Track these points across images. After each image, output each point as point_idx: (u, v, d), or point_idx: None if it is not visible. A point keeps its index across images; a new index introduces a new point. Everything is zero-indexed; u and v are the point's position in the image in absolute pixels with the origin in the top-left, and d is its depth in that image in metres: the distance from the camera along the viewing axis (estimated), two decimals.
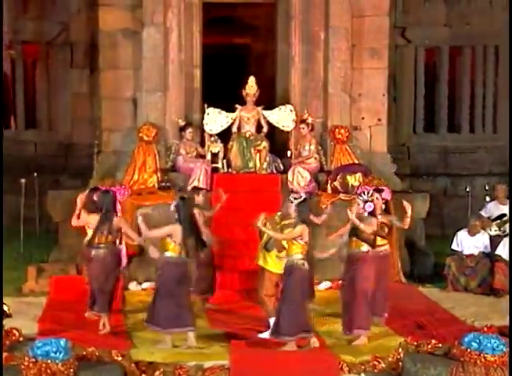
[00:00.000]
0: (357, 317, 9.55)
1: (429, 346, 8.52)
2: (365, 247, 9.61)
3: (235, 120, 14.17)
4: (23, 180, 15.03)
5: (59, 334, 9.00)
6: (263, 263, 10.01)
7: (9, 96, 18.55)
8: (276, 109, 14.17)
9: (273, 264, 9.88)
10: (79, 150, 18.00)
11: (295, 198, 9.33)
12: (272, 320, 9.62)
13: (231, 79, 15.69)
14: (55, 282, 12.06)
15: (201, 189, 11.95)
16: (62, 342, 7.56)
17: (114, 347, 8.62)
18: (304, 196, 9.41)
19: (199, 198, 11.27)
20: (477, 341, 7.92)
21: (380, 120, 14.77)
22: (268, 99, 14.94)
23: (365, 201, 9.73)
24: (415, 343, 8.61)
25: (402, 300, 11.41)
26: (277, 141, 14.72)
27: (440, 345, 8.54)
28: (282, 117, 14.16)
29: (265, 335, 9.58)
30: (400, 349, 8.50)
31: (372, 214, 9.77)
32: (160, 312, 9.11)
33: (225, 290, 11.76)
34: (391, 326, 10.28)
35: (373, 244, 9.71)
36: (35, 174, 16.63)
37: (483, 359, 7.81)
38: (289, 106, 14.18)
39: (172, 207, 9.24)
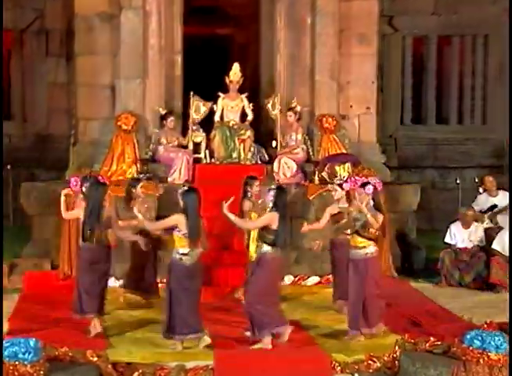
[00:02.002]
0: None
1: (427, 344, 7.97)
2: (371, 248, 8.94)
3: (217, 108, 13.56)
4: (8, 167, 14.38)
5: (31, 333, 8.41)
6: (251, 257, 9.44)
7: None
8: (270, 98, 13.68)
9: None
10: (56, 142, 17.43)
11: (271, 188, 8.69)
12: None
13: (213, 70, 15.05)
14: (29, 278, 11.48)
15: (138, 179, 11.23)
16: (31, 342, 6.95)
17: (90, 347, 8.02)
18: (278, 185, 8.99)
19: (138, 191, 10.75)
20: (480, 338, 7.37)
21: (368, 108, 14.32)
22: (252, 90, 14.47)
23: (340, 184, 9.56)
24: (412, 341, 8.06)
25: (395, 296, 10.87)
26: (262, 130, 14.16)
27: (439, 342, 7.99)
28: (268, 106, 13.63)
29: None
30: (397, 347, 7.97)
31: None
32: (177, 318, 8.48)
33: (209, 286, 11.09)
34: (385, 323, 9.69)
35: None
36: (9, 167, 16.11)
37: (486, 358, 7.27)
38: (274, 95, 13.63)
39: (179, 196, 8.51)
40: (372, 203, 8.89)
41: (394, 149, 17.94)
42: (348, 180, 10.23)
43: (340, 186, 10.07)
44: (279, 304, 8.88)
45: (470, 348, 7.33)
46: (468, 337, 7.43)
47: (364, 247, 8.84)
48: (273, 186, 8.70)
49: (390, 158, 16.37)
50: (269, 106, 13.46)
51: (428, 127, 18.32)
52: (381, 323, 9.05)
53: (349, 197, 10.09)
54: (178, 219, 8.35)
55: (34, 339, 7.03)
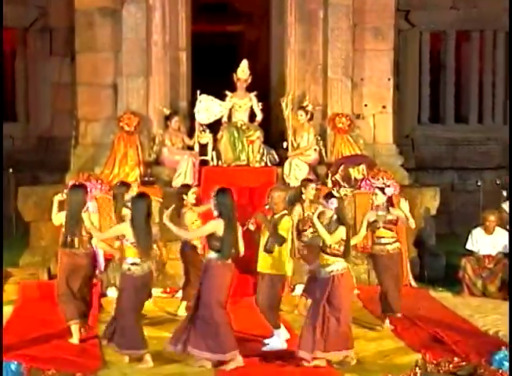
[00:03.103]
0: None
1: (451, 365, 7.32)
2: (337, 265, 8.01)
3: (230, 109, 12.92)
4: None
5: (20, 350, 7.99)
6: (266, 268, 8.72)
7: None
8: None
9: (278, 265, 8.67)
10: (60, 143, 16.67)
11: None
12: (277, 332, 8.66)
13: (223, 69, 14.33)
14: (24, 288, 10.88)
15: (189, 186, 10.59)
16: (12, 366, 6.31)
17: (82, 367, 7.52)
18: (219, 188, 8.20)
19: (189, 197, 10.09)
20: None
21: (384, 107, 13.61)
22: (263, 89, 13.78)
23: (382, 188, 8.98)
24: (434, 361, 7.38)
25: (414, 307, 10.25)
26: (272, 131, 13.46)
27: (464, 363, 7.31)
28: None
29: (272, 345, 8.56)
30: (417, 369, 7.31)
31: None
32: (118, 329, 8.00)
33: None
34: (403, 338, 9.02)
35: None
36: (10, 170, 15.52)
37: None
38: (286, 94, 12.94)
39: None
40: (335, 217, 8.00)
41: (411, 149, 17.24)
42: (391, 185, 9.78)
43: (382, 190, 9.36)
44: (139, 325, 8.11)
45: (500, 370, 6.65)
46: (497, 358, 6.76)
47: (329, 264, 7.99)
48: (215, 191, 8.09)
49: (406, 159, 15.63)
50: (283, 105, 12.71)
51: (447, 126, 17.63)
52: (345, 351, 8.00)
53: (391, 202, 9.52)
54: (122, 228, 8.02)
55: (15, 363, 6.40)
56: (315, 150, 12.83)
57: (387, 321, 9.47)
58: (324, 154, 12.94)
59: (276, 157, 12.94)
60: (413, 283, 11.64)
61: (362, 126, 13.38)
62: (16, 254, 12.52)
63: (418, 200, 12.43)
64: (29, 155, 17.04)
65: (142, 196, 8.18)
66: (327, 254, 7.93)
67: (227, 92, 12.94)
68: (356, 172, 12.07)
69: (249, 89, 13.08)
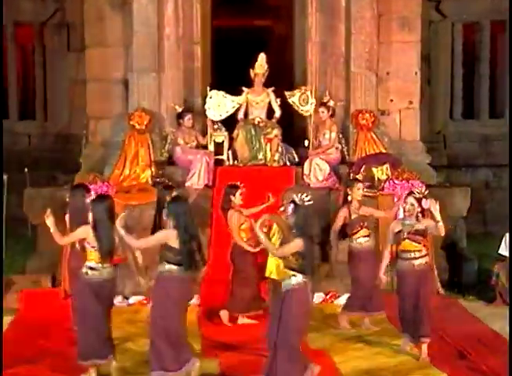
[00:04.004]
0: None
1: None
2: (293, 280, 7.09)
3: (241, 105, 12.19)
4: (4, 177, 13.12)
5: (12, 369, 7.61)
6: (277, 275, 7.95)
7: None
8: (296, 90, 12.16)
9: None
10: (78, 142, 16.07)
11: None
12: None
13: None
14: (25, 297, 10.29)
15: (237, 186, 9.79)
16: None
17: None
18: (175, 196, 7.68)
19: (236, 198, 9.47)
20: None
21: (411, 102, 12.91)
22: (289, 84, 13.21)
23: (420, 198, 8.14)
24: None
25: (440, 318, 9.45)
26: (296, 128, 12.75)
27: None
28: (301, 100, 12.16)
29: None
30: None
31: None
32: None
33: None
34: (429, 355, 8.31)
35: None
36: (26, 170, 14.99)
37: None
38: (309, 87, 12.18)
39: None
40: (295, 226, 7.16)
41: (442, 146, 16.70)
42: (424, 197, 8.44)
43: (419, 201, 8.29)
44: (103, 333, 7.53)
45: None
46: None
47: (284, 278, 7.17)
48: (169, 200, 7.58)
49: (438, 157, 15.29)
50: (293, 100, 11.98)
51: (481, 122, 17.04)
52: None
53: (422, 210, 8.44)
54: (83, 231, 7.53)
55: None
56: (337, 148, 12.13)
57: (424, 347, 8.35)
58: (346, 153, 12.24)
59: (296, 156, 12.27)
60: (441, 291, 10.87)
61: (387, 123, 12.68)
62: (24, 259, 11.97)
63: (447, 200, 11.61)
64: (46, 154, 16.61)
65: (102, 197, 7.77)
66: (285, 266, 7.14)
67: (243, 88, 12.27)
68: (379, 172, 11.33)
69: (277, 85, 12.42)
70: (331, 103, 12.13)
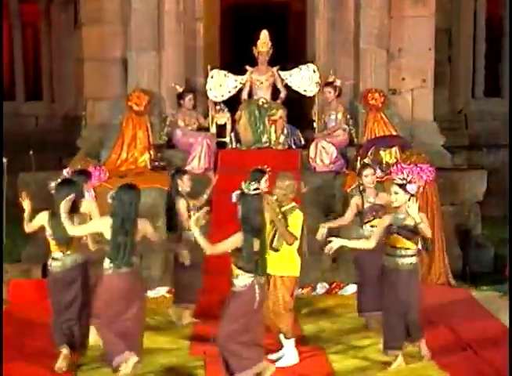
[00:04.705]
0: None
1: None
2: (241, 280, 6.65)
3: (245, 84, 11.65)
4: (4, 160, 12.69)
5: None
6: (272, 270, 7.43)
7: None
8: (296, 69, 11.60)
9: (287, 266, 7.51)
10: None
11: None
12: (289, 342, 7.56)
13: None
14: (14, 288, 9.81)
15: (185, 170, 9.31)
16: None
17: None
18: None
19: (185, 182, 8.78)
20: None
21: (424, 81, 12.32)
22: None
23: (403, 184, 7.13)
24: None
25: (448, 311, 8.96)
26: (298, 109, 12.14)
27: None
28: (303, 80, 11.56)
29: (283, 362, 7.49)
30: None
31: None
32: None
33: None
34: (432, 351, 7.74)
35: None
36: (31, 152, 14.57)
37: None
38: (311, 66, 11.66)
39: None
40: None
41: (464, 126, 15.96)
42: (412, 179, 7.37)
43: (403, 187, 7.20)
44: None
45: None
46: None
47: (236, 276, 6.65)
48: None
49: (459, 137, 14.85)
50: (291, 80, 11.42)
51: (504, 100, 16.24)
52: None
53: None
54: (42, 218, 7.30)
55: None
56: (345, 130, 11.53)
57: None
58: (355, 135, 11.64)
59: (302, 138, 11.70)
60: (453, 282, 10.28)
61: (398, 102, 12.10)
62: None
63: (461, 184, 11.04)
64: (53, 136, 16.17)
65: (66, 182, 7.33)
66: (232, 263, 6.60)
67: (247, 67, 11.71)
68: (388, 156, 10.71)
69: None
70: (337, 83, 11.53)
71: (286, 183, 7.51)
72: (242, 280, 6.49)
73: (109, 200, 6.81)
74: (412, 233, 7.15)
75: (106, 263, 6.79)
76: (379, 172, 9.02)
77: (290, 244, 7.38)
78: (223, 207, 9.23)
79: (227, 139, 11.61)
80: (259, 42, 11.62)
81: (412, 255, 7.26)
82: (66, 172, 10.17)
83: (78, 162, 10.46)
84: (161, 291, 9.90)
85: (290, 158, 11.24)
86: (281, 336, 7.61)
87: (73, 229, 6.92)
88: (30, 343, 8.08)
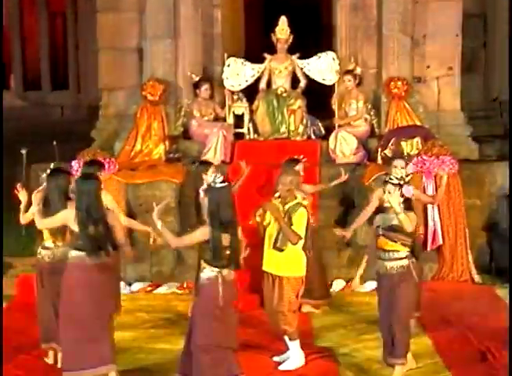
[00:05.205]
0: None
1: None
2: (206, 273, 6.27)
3: (263, 73, 11.27)
4: (23, 151, 12.49)
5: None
6: (276, 270, 7.20)
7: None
8: (314, 57, 11.18)
9: (292, 266, 7.17)
10: None
11: None
12: (294, 344, 7.20)
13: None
14: (22, 282, 9.50)
15: (210, 163, 9.02)
16: None
17: None
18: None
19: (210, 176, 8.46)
20: None
21: (451, 68, 11.67)
22: None
23: (399, 185, 6.64)
24: None
25: (467, 310, 8.55)
26: (319, 98, 11.71)
27: None
28: (322, 68, 11.14)
29: (285, 366, 7.19)
30: None
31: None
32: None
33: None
34: (443, 354, 7.42)
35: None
36: (54, 142, 14.40)
37: None
38: (330, 54, 11.21)
39: None
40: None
41: (498, 114, 15.23)
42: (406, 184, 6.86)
43: (399, 187, 6.74)
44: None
45: None
46: None
47: (202, 270, 6.32)
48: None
49: (494, 126, 14.06)
50: (309, 68, 11.01)
51: None
52: None
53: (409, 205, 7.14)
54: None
55: None
56: (366, 120, 11.10)
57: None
58: (377, 125, 11.18)
59: (322, 128, 11.29)
60: (477, 279, 9.83)
61: (423, 91, 11.54)
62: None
63: (488, 177, 10.55)
64: (79, 126, 15.97)
65: (57, 171, 7.13)
66: (200, 257, 6.33)
67: (265, 55, 11.32)
68: (409, 147, 10.25)
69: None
70: (357, 71, 11.09)
71: (290, 178, 7.15)
72: (206, 273, 6.21)
73: (71, 195, 6.70)
74: (397, 232, 6.63)
75: (73, 253, 6.56)
76: (410, 168, 8.51)
77: (294, 244, 7.04)
78: (242, 199, 8.94)
79: (245, 130, 11.23)
80: (277, 29, 11.20)
81: (402, 258, 6.70)
82: (74, 164, 10.03)
83: (87, 153, 10.14)
84: (172, 287, 9.61)
85: (309, 149, 10.80)
86: (286, 338, 7.29)
87: (41, 222, 6.79)
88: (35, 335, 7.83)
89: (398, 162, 8.13)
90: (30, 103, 16.40)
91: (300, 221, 7.04)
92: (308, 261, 8.12)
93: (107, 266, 6.56)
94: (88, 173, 7.00)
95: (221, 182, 6.11)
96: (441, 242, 9.79)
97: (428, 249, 9.71)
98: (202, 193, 6.21)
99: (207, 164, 8.80)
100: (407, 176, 6.74)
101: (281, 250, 7.12)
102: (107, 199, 7.80)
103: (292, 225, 7.03)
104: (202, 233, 6.12)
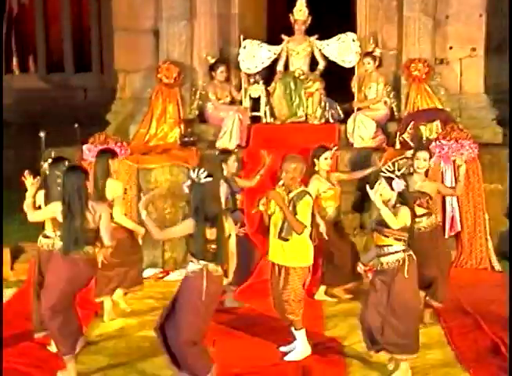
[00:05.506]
0: None
1: None
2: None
3: (280, 54, 11.01)
4: (42, 133, 12.37)
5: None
6: (283, 260, 6.97)
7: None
8: (334, 38, 10.90)
9: (299, 256, 6.94)
10: None
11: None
12: (300, 334, 7.02)
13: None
14: (34, 267, 9.37)
15: (230, 151, 8.82)
16: None
17: None
18: None
19: (230, 165, 8.36)
20: None
21: (474, 50, 11.30)
22: None
23: (390, 178, 6.34)
24: None
25: (484, 299, 8.26)
26: (339, 81, 11.42)
27: None
28: (341, 50, 10.86)
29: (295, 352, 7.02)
30: None
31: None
32: None
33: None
34: (456, 346, 7.17)
35: None
36: (76, 125, 14.29)
37: None
38: (350, 35, 10.90)
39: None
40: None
41: None
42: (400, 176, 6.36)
43: (389, 181, 6.35)
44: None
45: None
46: None
47: (187, 262, 6.24)
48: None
49: None
50: (329, 50, 10.75)
51: None
52: None
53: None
54: (39, 197, 7.01)
55: None
56: (385, 103, 10.80)
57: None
58: (396, 108, 10.89)
59: (341, 112, 11.01)
60: (497, 266, 9.52)
61: (445, 73, 11.18)
62: None
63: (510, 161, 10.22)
64: (103, 108, 15.81)
65: (58, 160, 7.08)
66: (187, 250, 6.25)
67: (283, 36, 11.06)
68: (428, 131, 9.93)
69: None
70: (377, 52, 10.80)
71: (293, 166, 6.90)
72: (191, 266, 6.06)
73: (59, 188, 6.59)
74: (384, 226, 6.32)
75: (58, 244, 6.50)
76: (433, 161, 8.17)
77: (299, 234, 6.82)
78: (258, 186, 8.76)
79: (261, 113, 10.99)
80: (295, 9, 10.91)
81: (396, 252, 6.38)
82: (85, 148, 9.87)
83: (99, 137, 9.98)
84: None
85: (326, 133, 10.54)
86: (292, 328, 7.10)
87: (31, 215, 6.71)
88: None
89: (422, 154, 7.69)
90: (53, 85, 16.23)
91: (304, 210, 6.81)
92: (341, 246, 8.06)
93: (86, 261, 6.42)
94: (75, 165, 6.82)
95: (205, 177, 5.93)
96: (459, 228, 9.50)
97: (446, 236, 9.40)
98: (186, 189, 6.01)
99: (227, 152, 8.59)
100: (399, 170, 6.38)
101: (286, 239, 6.90)
102: (115, 187, 7.73)
103: (296, 214, 6.81)
104: (186, 227, 5.98)
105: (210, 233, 5.92)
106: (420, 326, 6.84)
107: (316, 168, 8.34)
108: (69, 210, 6.27)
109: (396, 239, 6.33)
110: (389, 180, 6.29)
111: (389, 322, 6.35)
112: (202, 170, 5.97)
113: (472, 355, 6.94)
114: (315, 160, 8.34)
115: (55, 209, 6.40)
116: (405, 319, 6.36)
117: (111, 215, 7.11)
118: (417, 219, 7.11)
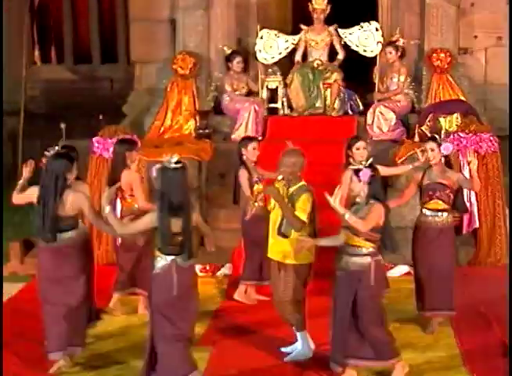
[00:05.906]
0: None
1: None
2: None
3: (298, 44, 10.75)
4: (62, 125, 12.26)
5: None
6: (282, 257, 6.70)
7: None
8: (356, 27, 10.60)
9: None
10: None
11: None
12: (301, 335, 6.78)
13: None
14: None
15: (251, 138, 8.55)
16: None
17: None
18: None
19: (250, 151, 8.04)
20: None
21: (500, 39, 11.10)
22: None
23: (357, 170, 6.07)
24: None
25: (502, 298, 7.78)
26: (360, 71, 11.15)
27: None
28: (364, 39, 10.57)
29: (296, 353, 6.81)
30: None
31: None
32: None
33: None
34: (462, 344, 6.96)
35: None
36: (100, 116, 14.17)
37: None
38: (374, 23, 10.62)
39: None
40: None
41: None
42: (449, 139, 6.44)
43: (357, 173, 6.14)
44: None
45: None
46: None
47: (155, 258, 5.94)
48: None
49: None
50: (351, 39, 10.48)
51: None
52: None
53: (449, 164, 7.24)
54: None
55: None
56: (407, 94, 10.49)
57: None
58: (416, 100, 10.59)
59: (360, 103, 10.74)
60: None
61: (469, 63, 10.97)
62: None
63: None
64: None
65: (58, 157, 6.57)
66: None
67: (301, 26, 10.81)
68: (448, 123, 9.59)
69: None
70: (400, 42, 10.48)
71: (293, 160, 6.62)
72: (159, 262, 5.80)
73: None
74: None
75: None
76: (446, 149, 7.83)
77: (298, 231, 6.54)
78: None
79: (278, 105, 10.77)
80: None
81: (364, 254, 6.07)
82: (95, 140, 9.72)
83: (108, 130, 9.81)
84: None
85: (345, 125, 10.33)
86: (294, 329, 6.86)
87: (14, 196, 6.59)
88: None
89: (428, 145, 7.38)
90: (80, 76, 16.14)
91: (303, 206, 6.52)
92: None
93: (60, 251, 6.31)
94: (62, 152, 6.63)
95: (176, 163, 5.68)
96: (477, 225, 9.15)
97: (464, 232, 9.06)
98: (154, 172, 5.77)
99: (249, 138, 8.34)
100: (367, 160, 6.08)
101: (286, 236, 6.65)
102: (129, 178, 7.74)
103: (295, 210, 6.55)
104: (149, 219, 5.76)
105: (176, 225, 5.67)
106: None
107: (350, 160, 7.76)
108: (42, 196, 6.18)
109: (366, 239, 6.03)
110: (357, 172, 6.03)
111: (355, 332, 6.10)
112: (174, 155, 5.75)
113: (479, 357, 6.69)
114: (349, 151, 7.85)
115: (34, 193, 6.31)
116: (377, 324, 6.10)
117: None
118: (429, 212, 7.15)
